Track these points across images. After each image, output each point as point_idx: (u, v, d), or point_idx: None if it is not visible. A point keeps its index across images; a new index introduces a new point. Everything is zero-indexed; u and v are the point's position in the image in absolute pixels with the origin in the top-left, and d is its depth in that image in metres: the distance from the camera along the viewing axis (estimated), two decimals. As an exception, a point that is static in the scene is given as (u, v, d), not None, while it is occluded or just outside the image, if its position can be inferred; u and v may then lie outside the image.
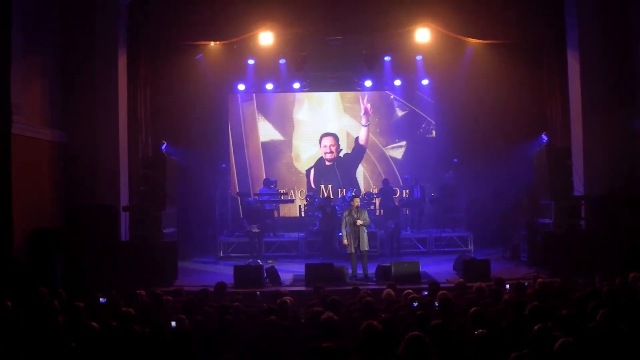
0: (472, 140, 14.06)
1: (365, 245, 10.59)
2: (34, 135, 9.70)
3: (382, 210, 14.30)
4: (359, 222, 10.46)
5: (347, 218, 10.67)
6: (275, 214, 14.06)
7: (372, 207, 13.95)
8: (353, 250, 10.57)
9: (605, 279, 7.17)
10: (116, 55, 11.03)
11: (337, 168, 15.01)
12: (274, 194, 14.00)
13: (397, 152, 15.09)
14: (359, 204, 10.74)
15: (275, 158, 15.07)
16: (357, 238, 10.50)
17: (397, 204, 14.08)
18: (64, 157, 10.60)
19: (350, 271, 10.53)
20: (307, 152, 15.10)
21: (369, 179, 15.09)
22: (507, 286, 7.59)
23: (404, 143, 15.08)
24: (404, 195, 14.12)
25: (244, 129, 15.06)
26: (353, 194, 14.16)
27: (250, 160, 15.03)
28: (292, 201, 14.46)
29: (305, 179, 15.11)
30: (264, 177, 14.40)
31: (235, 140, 15.03)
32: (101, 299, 6.83)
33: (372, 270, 10.57)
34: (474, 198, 14.02)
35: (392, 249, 12.70)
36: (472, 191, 14.09)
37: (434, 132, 14.94)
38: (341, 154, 15.10)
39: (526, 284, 7.35)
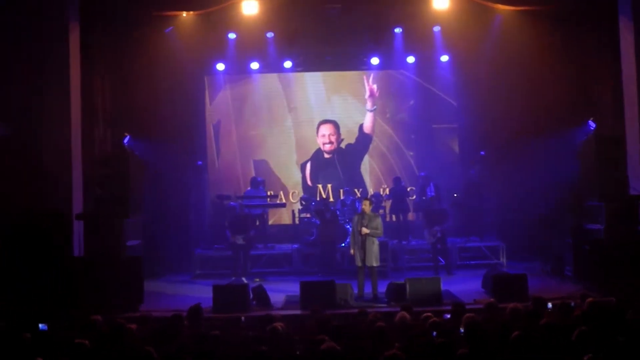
0: (502, 128, 14.05)
1: (373, 260, 10.51)
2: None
3: (393, 216, 14.34)
4: (365, 230, 10.40)
5: (354, 224, 10.67)
6: (266, 221, 14.33)
7: (381, 211, 14.00)
8: (360, 263, 10.51)
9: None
10: (66, 30, 11.09)
11: (338, 162, 15.10)
12: (263, 197, 14.06)
13: (412, 142, 15.20)
14: (371, 207, 10.69)
15: (263, 152, 15.13)
16: (364, 250, 10.44)
17: (410, 206, 14.22)
18: (2, 154, 10.56)
19: (355, 290, 10.52)
20: (301, 143, 15.18)
21: (380, 175, 15.18)
22: (549, 306, 7.61)
23: (419, 132, 15.20)
24: (423, 197, 14.10)
25: (224, 117, 15.13)
26: (357, 196, 14.31)
27: (233, 155, 15.11)
28: (283, 205, 14.45)
29: (299, 177, 15.16)
30: (252, 176, 14.46)
31: (214, 132, 15.16)
32: (41, 326, 6.73)
33: (382, 289, 10.55)
34: (505, 199, 14.06)
35: (440, 263, 12.63)
36: (504, 191, 14.12)
37: (455, 122, 15.04)
38: (342, 145, 15.18)
39: (572, 304, 7.43)
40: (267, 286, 10.61)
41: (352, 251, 10.68)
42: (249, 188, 14.18)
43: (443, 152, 14.93)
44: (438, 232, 12.50)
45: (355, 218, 10.70)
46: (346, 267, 12.57)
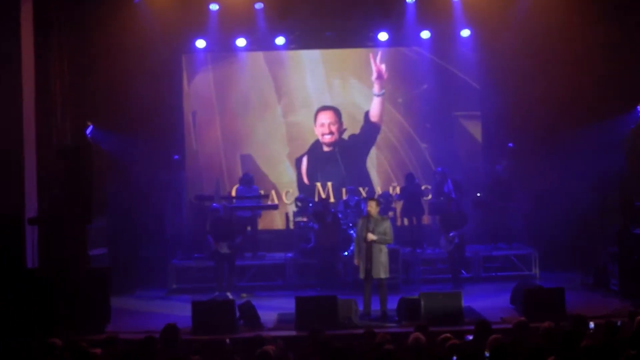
0: (534, 116, 14.04)
1: (381, 272, 10.50)
2: None
3: (404, 220, 14.33)
4: (371, 236, 10.36)
5: (359, 229, 10.64)
6: (256, 226, 14.32)
7: (391, 213, 13.96)
8: (365, 276, 10.49)
9: None
10: (17, 0, 11.06)
11: (340, 156, 15.09)
12: (256, 197, 14.10)
13: (427, 132, 15.20)
14: (378, 209, 10.64)
15: (250, 145, 15.16)
16: (370, 260, 10.42)
17: (424, 208, 14.21)
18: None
19: (361, 307, 10.51)
20: (296, 134, 15.22)
21: (389, 171, 15.18)
22: (591, 326, 7.62)
23: (436, 120, 15.17)
24: (440, 197, 14.04)
25: (205, 103, 15.14)
26: (362, 196, 14.29)
27: (215, 149, 15.13)
28: (275, 207, 14.44)
29: (293, 174, 15.17)
30: (244, 173, 14.52)
31: (193, 121, 15.13)
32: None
33: (392, 305, 10.57)
34: (538, 199, 14.02)
35: (455, 274, 12.69)
36: (536, 189, 14.10)
37: (477, 108, 15.00)
38: (345, 136, 15.20)
39: (619, 323, 7.43)
40: (256, 302, 10.60)
41: (356, 261, 10.66)
42: (238, 186, 14.22)
43: (464, 143, 15.01)
44: (455, 238, 12.55)
45: (360, 222, 10.67)
46: (350, 279, 12.58)
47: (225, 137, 15.08)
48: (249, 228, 14.08)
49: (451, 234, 12.56)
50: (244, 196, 13.96)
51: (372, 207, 10.56)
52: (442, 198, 13.77)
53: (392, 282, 11.74)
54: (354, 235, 11.26)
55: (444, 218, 12.92)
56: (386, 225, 10.50)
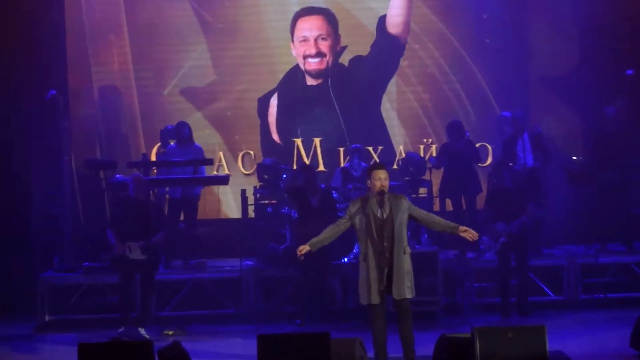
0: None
1: (405, 289, 10.26)
2: None
3: (446, 201, 14.39)
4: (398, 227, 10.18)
5: (357, 218, 10.41)
6: (194, 213, 14.39)
7: (422, 191, 14.12)
8: (378, 300, 10.29)
9: None
10: None
11: (336, 93, 15.25)
12: (190, 163, 14.08)
13: (486, 50, 15.35)
14: (387, 182, 10.37)
15: (180, 77, 15.40)
16: (386, 271, 10.24)
17: (480, 182, 14.25)
18: None
19: (371, 353, 10.28)
20: (258, 57, 15.35)
21: (421, 117, 15.35)
22: None
23: (501, 30, 15.25)
24: (510, 164, 13.89)
25: (106, 15, 15.39)
26: (374, 161, 14.26)
27: (124, 81, 15.42)
28: (224, 180, 14.52)
29: (254, 124, 15.36)
30: (165, 126, 14.79)
31: (91, 33, 15.38)
32: None
33: (427, 349, 10.45)
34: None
35: (521, 297, 13.06)
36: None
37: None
38: (344, 59, 15.38)
39: None
40: (189, 345, 10.40)
41: (300, 251, 10.23)
42: (171, 143, 14.53)
43: (546, 68, 15.34)
44: (501, 236, 12.81)
45: (357, 205, 10.32)
46: (351, 305, 12.64)
47: (139, 68, 15.42)
48: (180, 218, 14.17)
49: (499, 227, 12.74)
50: (173, 162, 14.00)
51: (380, 178, 10.28)
52: (511, 165, 13.72)
53: (425, 310, 11.87)
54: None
55: (490, 198, 13.21)
56: (412, 209, 10.25)
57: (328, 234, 10.37)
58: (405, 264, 10.21)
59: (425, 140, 15.24)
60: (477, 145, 14.68)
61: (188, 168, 13.89)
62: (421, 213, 10.32)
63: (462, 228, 10.18)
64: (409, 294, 10.17)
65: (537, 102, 15.02)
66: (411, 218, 10.25)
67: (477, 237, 10.24)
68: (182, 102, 15.42)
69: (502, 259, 12.88)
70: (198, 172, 13.99)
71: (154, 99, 15.44)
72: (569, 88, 15.18)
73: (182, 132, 14.20)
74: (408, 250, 10.22)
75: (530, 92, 15.14)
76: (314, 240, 10.32)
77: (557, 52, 15.33)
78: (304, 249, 10.21)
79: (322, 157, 15.23)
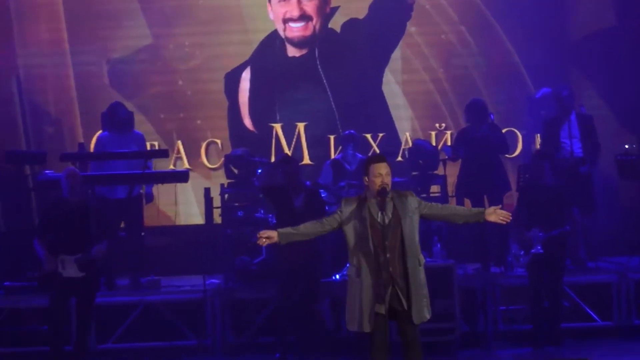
0: None
1: (424, 310, 10.17)
2: None
3: (465, 201, 14.32)
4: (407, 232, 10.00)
5: (351, 223, 10.26)
6: (140, 218, 14.40)
7: (435, 189, 14.18)
8: (368, 329, 10.13)
9: None
10: None
11: (324, 66, 15.36)
12: (139, 154, 14.08)
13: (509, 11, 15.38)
14: (389, 178, 10.24)
15: (121, 50, 15.54)
16: (389, 288, 10.13)
17: (507, 177, 14.30)
18: None
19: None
20: (230, 28, 15.44)
21: (436, 96, 15.40)
22: None
23: None
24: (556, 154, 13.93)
25: None
26: (372, 152, 14.35)
27: (54, 68, 15.54)
28: (184, 177, 14.43)
29: (222, 107, 15.50)
30: (113, 103, 14.62)
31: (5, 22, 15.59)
32: None
33: None
34: None
35: (553, 322, 13.19)
36: None
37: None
38: (334, 24, 15.48)
39: None
40: None
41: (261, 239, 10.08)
42: (101, 132, 14.47)
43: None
44: (538, 246, 12.87)
45: (351, 205, 10.23)
46: (344, 334, 12.52)
47: (77, 47, 15.61)
48: (123, 224, 14.13)
49: (533, 234, 12.69)
50: (119, 153, 13.91)
51: (381, 175, 10.14)
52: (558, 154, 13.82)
53: (439, 340, 11.96)
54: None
55: (522, 197, 13.17)
56: (423, 205, 10.17)
57: (308, 230, 10.35)
58: (421, 277, 10.19)
59: (438, 125, 15.38)
60: (504, 131, 14.69)
61: (132, 162, 13.91)
62: (435, 208, 10.30)
63: (489, 210, 10.12)
64: (427, 314, 10.13)
65: (578, 75, 15.16)
66: (423, 217, 10.24)
67: (509, 218, 10.15)
68: (129, 81, 15.60)
69: (533, 275, 12.84)
70: (146, 167, 13.98)
71: (94, 80, 15.65)
72: (615, 57, 15.32)
73: (116, 115, 14.16)
74: (423, 260, 10.20)
75: (570, 64, 15.33)
76: (286, 229, 10.36)
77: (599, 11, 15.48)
78: (269, 235, 10.18)
79: (308, 147, 15.36)
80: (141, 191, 14.33)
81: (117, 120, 14.09)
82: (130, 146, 14.04)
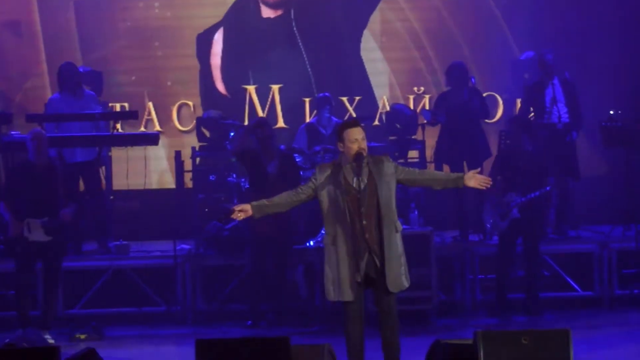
0: None
1: (402, 279, 10.15)
2: None
3: (444, 167, 14.25)
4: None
5: (325, 190, 10.19)
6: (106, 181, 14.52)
7: (414, 155, 14.22)
8: (350, 297, 10.08)
9: None
10: None
11: (299, 27, 15.38)
12: (118, 114, 14.34)
13: None
14: (365, 143, 10.15)
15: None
16: (365, 256, 10.01)
17: (488, 142, 14.26)
18: None
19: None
20: None
21: (417, 57, 15.46)
22: None
23: None
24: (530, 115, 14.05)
25: None
26: (348, 116, 14.31)
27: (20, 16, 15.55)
28: (154, 139, 14.34)
29: (194, 67, 15.48)
30: (63, 64, 14.48)
31: None
32: None
33: (417, 357, 10.49)
34: None
35: (531, 291, 13.32)
36: None
37: None
38: None
39: None
40: (109, 352, 10.64)
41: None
42: (55, 94, 14.37)
43: None
44: (513, 211, 12.98)
45: (326, 171, 10.25)
46: (318, 303, 12.61)
47: None
48: (102, 181, 14.19)
49: (509, 199, 12.74)
50: (85, 115, 13.83)
51: (356, 141, 10.07)
52: (530, 116, 13.96)
53: (415, 309, 11.97)
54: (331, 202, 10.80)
55: (498, 163, 13.25)
56: (400, 170, 10.18)
57: (282, 201, 10.50)
58: (398, 245, 10.18)
59: (416, 88, 15.43)
60: (485, 95, 14.71)
61: (85, 124, 13.90)
62: (412, 173, 10.38)
63: (468, 175, 10.13)
64: (405, 282, 10.18)
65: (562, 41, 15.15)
66: (400, 183, 10.26)
67: (489, 183, 10.15)
68: (95, 36, 15.62)
69: (503, 242, 12.92)
70: (99, 129, 13.97)
71: (61, 33, 15.67)
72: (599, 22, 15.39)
73: (67, 76, 14.11)
74: (400, 226, 10.23)
75: (560, 28, 15.43)
76: (261, 202, 10.45)
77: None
78: (243, 209, 10.25)
79: (282, 111, 15.41)
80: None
81: (69, 81, 14.07)
82: (83, 107, 13.97)
